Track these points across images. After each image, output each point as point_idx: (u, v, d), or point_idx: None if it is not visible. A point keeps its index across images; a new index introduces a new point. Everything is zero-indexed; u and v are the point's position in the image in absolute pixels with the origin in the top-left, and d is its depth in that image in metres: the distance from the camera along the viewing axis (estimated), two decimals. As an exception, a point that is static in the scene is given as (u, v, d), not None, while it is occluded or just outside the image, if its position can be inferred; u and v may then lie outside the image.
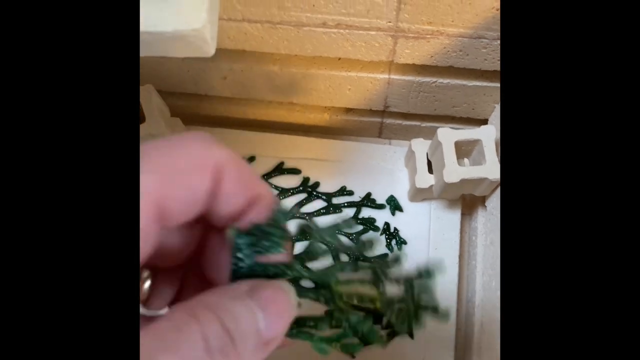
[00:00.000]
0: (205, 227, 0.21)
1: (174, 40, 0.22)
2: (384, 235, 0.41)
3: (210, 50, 0.23)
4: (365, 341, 0.21)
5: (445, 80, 0.37)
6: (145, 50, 0.23)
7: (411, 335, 0.22)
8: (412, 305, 0.21)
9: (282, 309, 0.18)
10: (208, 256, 0.21)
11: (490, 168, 0.35)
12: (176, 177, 0.17)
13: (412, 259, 0.41)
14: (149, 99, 0.37)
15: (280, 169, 0.43)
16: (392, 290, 0.21)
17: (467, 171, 0.35)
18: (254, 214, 0.19)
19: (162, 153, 0.17)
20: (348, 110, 0.44)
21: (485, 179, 0.35)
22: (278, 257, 0.20)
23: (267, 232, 0.19)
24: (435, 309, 0.22)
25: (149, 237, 0.17)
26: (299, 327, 0.20)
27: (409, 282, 0.21)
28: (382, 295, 0.21)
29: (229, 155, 0.18)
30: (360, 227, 0.42)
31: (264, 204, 0.19)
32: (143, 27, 0.21)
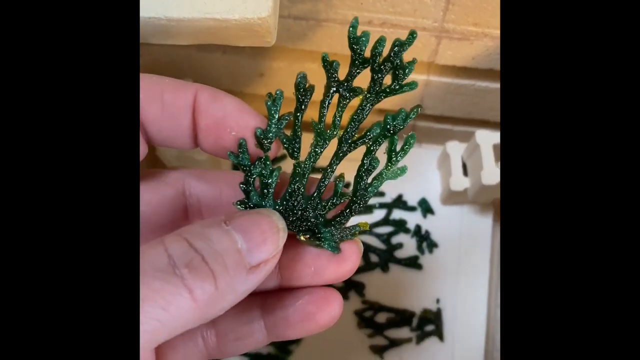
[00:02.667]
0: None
1: (239, 28, 0.22)
2: (414, 238, 0.41)
3: (271, 40, 0.23)
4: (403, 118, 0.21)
5: (484, 84, 0.37)
6: (208, 38, 0.23)
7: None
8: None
9: (264, 230, 0.18)
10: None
11: (529, 172, 0.35)
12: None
13: (443, 263, 0.41)
14: (189, 93, 0.37)
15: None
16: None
17: (505, 174, 0.35)
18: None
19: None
20: (381, 112, 0.44)
21: (523, 182, 0.35)
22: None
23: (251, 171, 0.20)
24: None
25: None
26: (361, 181, 0.21)
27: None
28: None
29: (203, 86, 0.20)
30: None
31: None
32: (209, 14, 0.21)
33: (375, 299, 0.40)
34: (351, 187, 0.21)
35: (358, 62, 0.20)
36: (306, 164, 0.21)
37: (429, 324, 0.39)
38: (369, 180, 0.21)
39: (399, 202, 0.42)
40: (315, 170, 0.20)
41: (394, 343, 0.38)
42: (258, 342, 0.21)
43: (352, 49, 0.20)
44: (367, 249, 0.41)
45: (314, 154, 0.21)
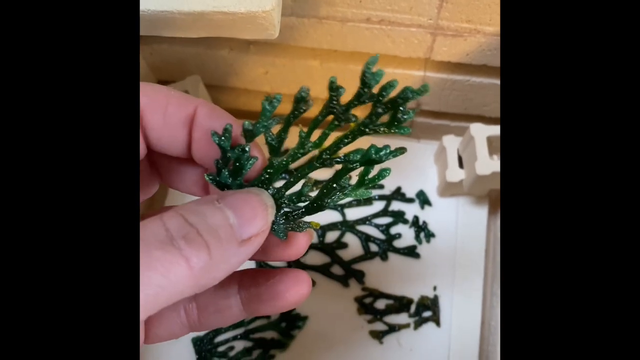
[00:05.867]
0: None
1: (245, 21, 0.24)
2: (412, 228, 0.43)
3: (274, 33, 0.25)
4: (379, 160, 0.22)
5: (478, 79, 0.39)
6: (216, 30, 0.25)
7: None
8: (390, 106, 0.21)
9: (254, 207, 0.20)
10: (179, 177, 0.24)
11: (521, 163, 0.37)
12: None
13: (440, 252, 0.42)
14: (196, 88, 0.39)
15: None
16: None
17: (498, 164, 0.37)
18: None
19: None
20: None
21: (516, 172, 0.37)
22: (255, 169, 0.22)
23: (232, 158, 0.21)
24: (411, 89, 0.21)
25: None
26: (328, 192, 0.22)
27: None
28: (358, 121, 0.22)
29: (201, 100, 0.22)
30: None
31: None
32: (217, 7, 0.23)
33: (375, 286, 0.41)
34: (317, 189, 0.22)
35: (364, 96, 0.21)
36: (282, 161, 0.22)
37: (426, 310, 0.40)
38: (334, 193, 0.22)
39: (398, 194, 0.44)
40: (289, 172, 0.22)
41: (393, 328, 0.40)
42: (235, 315, 0.23)
43: (363, 83, 0.21)
44: (367, 238, 0.42)
45: (291, 155, 0.22)
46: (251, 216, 0.19)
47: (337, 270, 0.42)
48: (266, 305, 0.23)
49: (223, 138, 0.21)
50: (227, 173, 0.22)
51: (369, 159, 0.21)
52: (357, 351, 0.40)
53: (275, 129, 0.22)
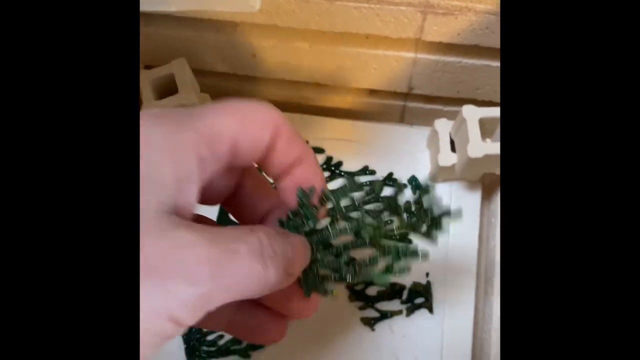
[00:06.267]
0: (243, 173, 0.25)
1: (224, -9, 0.23)
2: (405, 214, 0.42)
3: (255, 5, 0.24)
4: (410, 259, 0.27)
5: (470, 61, 0.38)
6: (196, 4, 0.24)
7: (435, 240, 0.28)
8: (429, 218, 0.27)
9: (304, 252, 0.24)
10: (242, 199, 0.26)
11: (514, 145, 0.36)
12: (248, 125, 0.21)
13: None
14: (182, 71, 0.38)
15: (304, 148, 0.44)
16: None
17: (490, 147, 0.36)
18: (300, 171, 0.24)
19: (237, 107, 0.22)
20: (372, 93, 0.45)
21: (508, 155, 0.36)
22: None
23: (304, 214, 0.25)
24: (448, 212, 0.27)
25: (218, 166, 0.21)
26: (358, 268, 0.26)
27: (418, 203, 0.27)
28: (404, 221, 0.27)
29: (285, 120, 0.23)
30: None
31: (308, 162, 0.24)
32: (195, -22, 0.22)
33: (366, 273, 0.40)
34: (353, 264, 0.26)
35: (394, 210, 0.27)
36: (323, 233, 0.25)
37: (419, 296, 0.40)
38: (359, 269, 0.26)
39: (390, 180, 0.43)
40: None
41: (385, 315, 0.39)
42: (219, 325, 0.26)
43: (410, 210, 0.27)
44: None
45: (344, 230, 0.26)
46: (299, 257, 0.23)
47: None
48: (240, 334, 0.26)
49: (304, 199, 0.24)
50: (293, 224, 0.25)
51: (397, 255, 0.26)
52: (349, 338, 0.39)
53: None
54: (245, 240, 0.20)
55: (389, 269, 0.26)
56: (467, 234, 0.42)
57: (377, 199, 0.28)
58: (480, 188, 0.43)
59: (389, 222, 0.27)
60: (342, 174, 0.43)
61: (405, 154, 0.44)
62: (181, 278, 0.18)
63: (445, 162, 0.40)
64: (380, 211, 0.27)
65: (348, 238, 0.26)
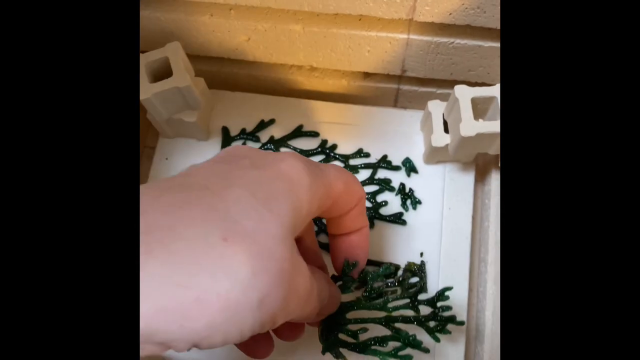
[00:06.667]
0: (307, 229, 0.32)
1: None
2: (399, 195, 0.43)
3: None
4: (414, 347, 0.32)
5: (463, 41, 0.39)
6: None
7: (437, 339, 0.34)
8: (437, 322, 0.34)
9: (336, 304, 0.31)
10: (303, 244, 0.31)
11: (506, 123, 0.36)
12: (349, 192, 0.29)
13: (426, 219, 0.42)
14: (176, 54, 0.39)
15: (299, 132, 0.45)
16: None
17: (483, 125, 0.36)
18: (355, 237, 0.32)
19: (345, 173, 0.29)
20: (366, 76, 0.45)
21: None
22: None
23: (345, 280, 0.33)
24: (453, 320, 0.34)
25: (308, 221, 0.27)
26: (366, 346, 0.32)
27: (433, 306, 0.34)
28: (419, 314, 0.34)
29: (365, 196, 0.31)
30: (377, 188, 0.43)
31: (364, 234, 0.32)
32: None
33: (361, 253, 0.41)
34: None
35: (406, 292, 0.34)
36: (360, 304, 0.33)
37: (413, 276, 0.40)
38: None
39: (384, 162, 0.43)
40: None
41: (380, 294, 0.40)
42: None
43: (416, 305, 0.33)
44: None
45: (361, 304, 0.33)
46: (331, 307, 0.31)
47: (323, 238, 0.41)
48: (243, 347, 0.30)
49: (347, 269, 0.32)
50: (338, 283, 0.32)
51: (405, 342, 0.32)
52: (344, 318, 0.39)
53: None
54: (300, 281, 0.24)
55: (394, 353, 0.31)
56: (461, 215, 0.42)
57: (402, 284, 0.35)
58: (473, 169, 0.43)
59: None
60: (337, 156, 0.44)
61: (399, 137, 0.45)
62: None
63: (438, 142, 0.40)
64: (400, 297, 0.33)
65: (373, 314, 0.32)
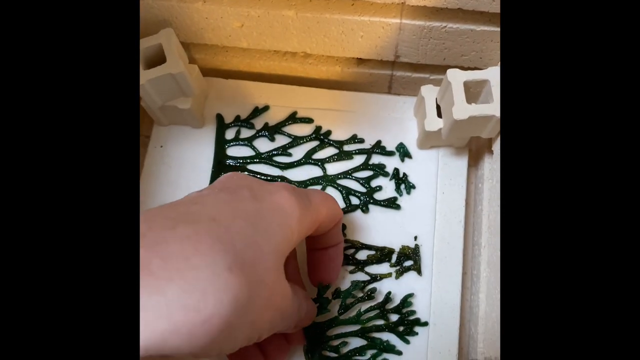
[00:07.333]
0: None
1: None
2: (393, 180, 0.43)
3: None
4: (388, 352, 0.38)
5: (455, 25, 0.39)
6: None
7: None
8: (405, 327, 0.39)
9: (312, 318, 0.35)
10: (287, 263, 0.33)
11: (498, 107, 0.37)
12: (331, 216, 0.33)
13: (420, 203, 0.42)
14: (169, 41, 0.39)
15: (293, 118, 0.45)
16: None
17: (475, 108, 0.37)
18: (333, 251, 0.37)
19: (329, 199, 0.34)
20: (360, 62, 0.45)
21: (493, 117, 0.37)
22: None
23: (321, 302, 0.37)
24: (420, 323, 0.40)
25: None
26: (347, 358, 0.38)
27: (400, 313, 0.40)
28: (389, 322, 0.39)
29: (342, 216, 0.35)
30: (371, 173, 0.43)
31: (340, 248, 0.37)
32: None
33: (357, 238, 0.41)
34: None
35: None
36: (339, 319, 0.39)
37: (408, 259, 0.41)
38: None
39: (378, 148, 0.44)
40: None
41: (375, 278, 0.40)
42: None
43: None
44: (348, 192, 0.42)
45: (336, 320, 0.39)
46: (309, 322, 0.35)
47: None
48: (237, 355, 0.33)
49: (323, 291, 0.37)
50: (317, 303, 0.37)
51: (381, 347, 0.38)
52: (340, 301, 0.40)
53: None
54: (287, 303, 0.29)
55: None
56: (454, 199, 0.42)
57: (370, 297, 0.39)
58: (466, 154, 0.44)
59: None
60: (332, 142, 0.44)
61: (393, 122, 0.45)
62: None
63: (431, 126, 0.40)
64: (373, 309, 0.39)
65: (350, 327, 0.38)
